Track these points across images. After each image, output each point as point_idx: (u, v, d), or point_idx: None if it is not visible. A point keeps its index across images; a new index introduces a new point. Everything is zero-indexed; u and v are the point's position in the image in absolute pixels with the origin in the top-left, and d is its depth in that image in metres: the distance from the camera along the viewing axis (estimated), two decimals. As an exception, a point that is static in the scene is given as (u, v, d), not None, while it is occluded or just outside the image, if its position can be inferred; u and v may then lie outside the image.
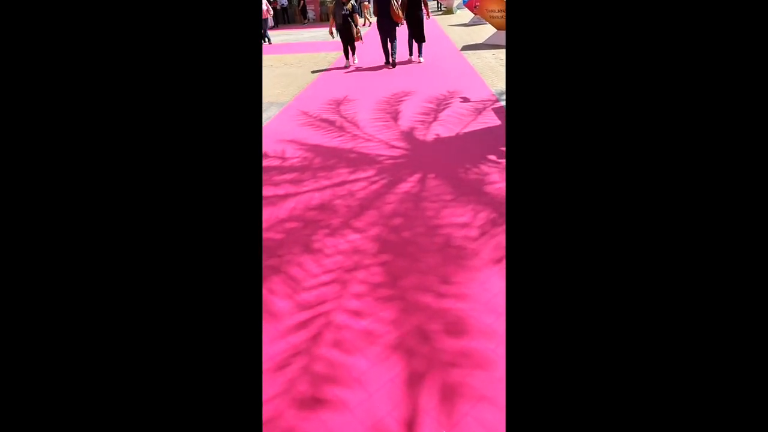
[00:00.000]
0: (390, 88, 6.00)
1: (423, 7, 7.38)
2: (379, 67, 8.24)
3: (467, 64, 7.17)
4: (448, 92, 5.46)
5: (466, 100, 5.05)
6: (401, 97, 5.45)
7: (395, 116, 4.69)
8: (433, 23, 14.43)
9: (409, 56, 7.99)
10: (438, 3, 19.25)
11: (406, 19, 7.29)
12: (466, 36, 10.75)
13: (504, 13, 8.40)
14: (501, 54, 7.77)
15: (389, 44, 7.53)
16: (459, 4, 17.65)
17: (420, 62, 7.70)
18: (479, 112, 4.58)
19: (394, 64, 7.63)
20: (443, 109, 4.79)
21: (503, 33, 8.77)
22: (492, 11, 8.64)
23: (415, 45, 7.74)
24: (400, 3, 7.26)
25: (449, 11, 17.54)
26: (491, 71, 6.47)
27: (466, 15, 15.68)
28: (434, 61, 7.72)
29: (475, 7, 13.70)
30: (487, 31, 10.78)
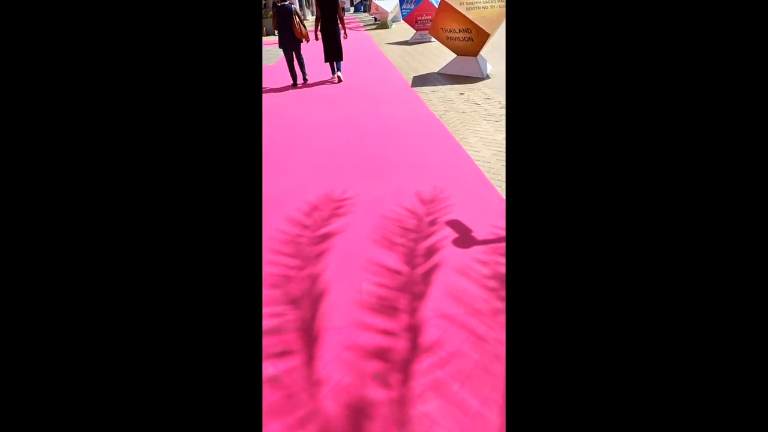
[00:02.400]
0: (312, 182, 3.14)
1: (339, 23, 6.20)
2: (285, 88, 6.43)
3: (431, 115, 4.46)
4: (422, 202, 2.67)
5: (466, 239, 2.28)
6: (330, 222, 2.58)
7: (311, 320, 1.79)
8: (367, 40, 11.69)
9: (331, 76, 6.75)
10: (374, 17, 16.55)
11: (322, 35, 6.19)
12: (412, 59, 8.11)
13: (468, 34, 5.83)
14: (472, 93, 5.16)
15: (296, 62, 6.35)
16: (395, 16, 15.05)
17: (338, 76, 6.57)
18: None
19: (305, 79, 6.64)
20: (423, 276, 1.96)
21: (466, 59, 6.20)
22: (450, 31, 6.04)
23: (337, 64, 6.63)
24: (314, 17, 6.28)
25: (384, 25, 14.91)
26: (471, 132, 3.82)
27: (403, 30, 13.13)
28: (381, 108, 4.93)
29: (416, 21, 11.12)
30: (436, 53, 8.21)
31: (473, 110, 4.49)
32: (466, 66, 6.19)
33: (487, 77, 5.93)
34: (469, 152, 3.36)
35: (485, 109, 4.47)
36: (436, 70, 6.76)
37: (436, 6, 10.18)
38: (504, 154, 3.27)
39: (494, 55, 7.48)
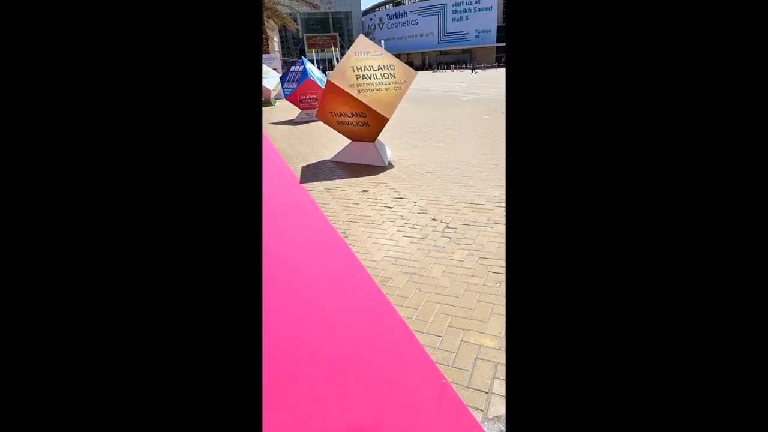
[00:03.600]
0: None
1: None
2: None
3: (331, 232, 3.13)
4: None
5: None
6: None
7: None
8: (248, 120, 10.36)
9: None
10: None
11: None
12: (299, 143, 6.96)
13: (363, 118, 4.88)
14: (378, 190, 4.04)
15: None
16: (278, 93, 14.19)
17: None
18: None
19: None
20: None
21: (362, 146, 5.22)
22: (342, 115, 5.04)
23: None
24: None
25: (267, 103, 13.89)
26: (393, 262, 2.58)
27: (288, 107, 12.20)
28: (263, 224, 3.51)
29: (300, 101, 10.22)
30: (326, 135, 7.20)
31: (386, 218, 3.32)
32: (363, 153, 5.19)
33: (390, 166, 4.98)
34: (410, 325, 2.06)
35: (401, 216, 3.34)
36: (329, 158, 5.65)
37: (322, 86, 9.49)
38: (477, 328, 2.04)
39: (390, 135, 6.73)
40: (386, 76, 4.85)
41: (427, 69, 53.11)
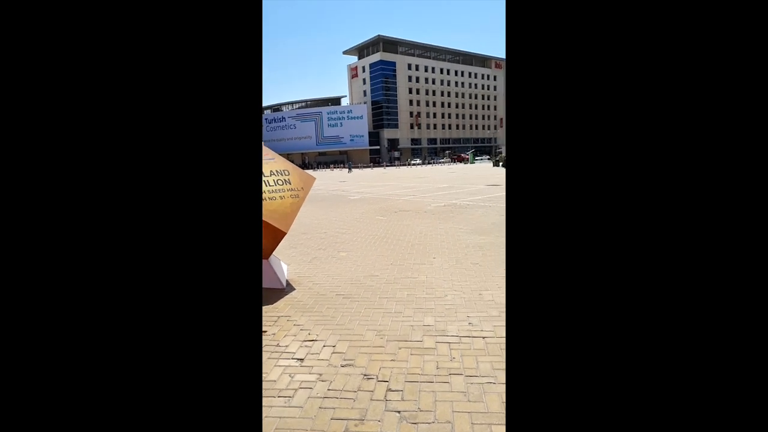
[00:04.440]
0: None
1: None
2: None
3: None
4: None
5: None
6: None
7: None
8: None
9: None
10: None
11: None
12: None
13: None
14: (277, 329, 2.97)
15: None
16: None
17: None
18: None
19: None
20: None
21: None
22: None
23: None
24: None
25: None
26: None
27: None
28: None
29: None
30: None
31: (299, 383, 2.29)
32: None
33: (289, 287, 4.00)
34: None
35: (319, 375, 2.35)
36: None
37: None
38: None
39: (284, 245, 5.80)
40: (280, 182, 4.12)
41: (307, 168, 54.83)
